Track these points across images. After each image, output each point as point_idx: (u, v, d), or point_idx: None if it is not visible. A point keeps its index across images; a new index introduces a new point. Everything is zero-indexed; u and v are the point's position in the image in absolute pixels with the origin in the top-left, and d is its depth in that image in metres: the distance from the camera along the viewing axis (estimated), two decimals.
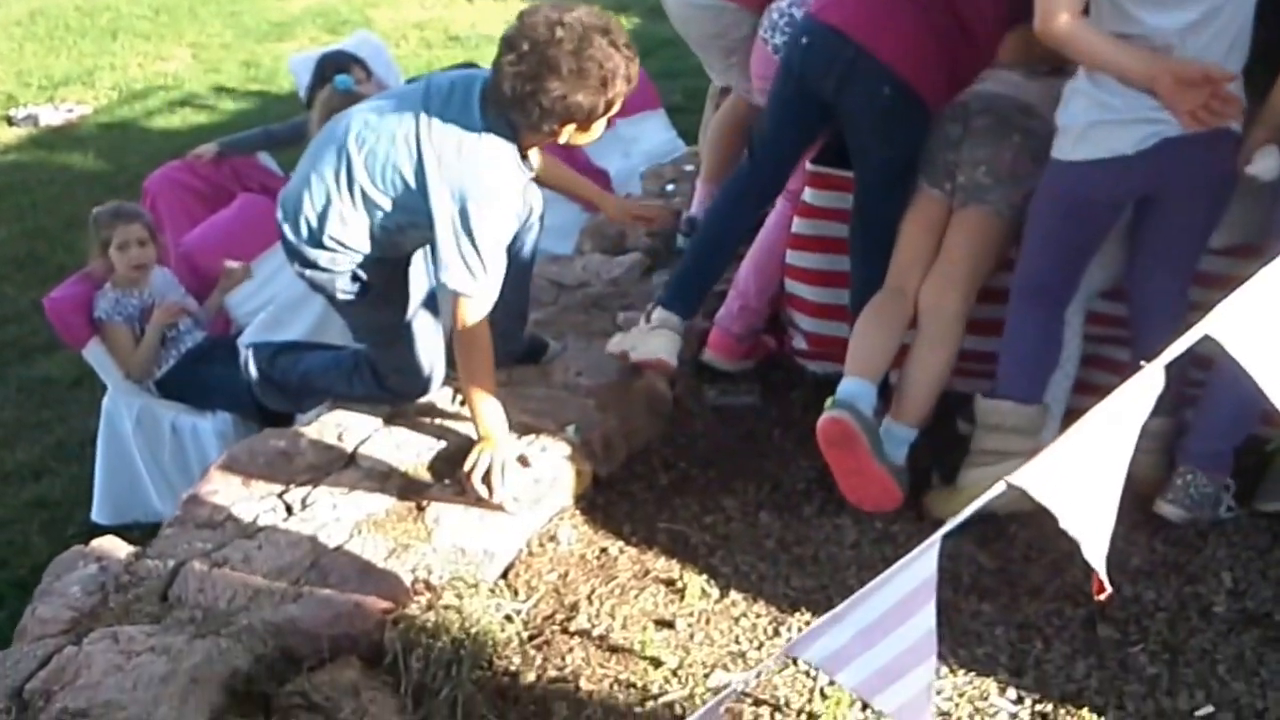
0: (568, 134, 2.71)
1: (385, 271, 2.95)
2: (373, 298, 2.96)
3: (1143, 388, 1.58)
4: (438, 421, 3.11)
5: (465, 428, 3.00)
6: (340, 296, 2.96)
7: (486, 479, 2.73)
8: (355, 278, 2.92)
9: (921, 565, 1.64)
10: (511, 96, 2.60)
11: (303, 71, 5.84)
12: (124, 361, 4.26)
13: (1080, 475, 1.62)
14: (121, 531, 4.27)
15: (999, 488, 1.52)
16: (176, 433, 4.30)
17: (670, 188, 4.70)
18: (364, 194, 2.76)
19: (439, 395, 3.20)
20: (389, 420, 3.12)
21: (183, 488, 4.31)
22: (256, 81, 9.33)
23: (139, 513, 4.37)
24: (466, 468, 2.76)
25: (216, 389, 4.28)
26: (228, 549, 2.60)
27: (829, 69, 2.94)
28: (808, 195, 3.33)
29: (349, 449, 3.00)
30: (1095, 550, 1.62)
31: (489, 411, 2.80)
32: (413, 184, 2.71)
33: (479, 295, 2.75)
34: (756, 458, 3.17)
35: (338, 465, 2.94)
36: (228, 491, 2.84)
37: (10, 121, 8.93)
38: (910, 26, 2.87)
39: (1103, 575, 1.61)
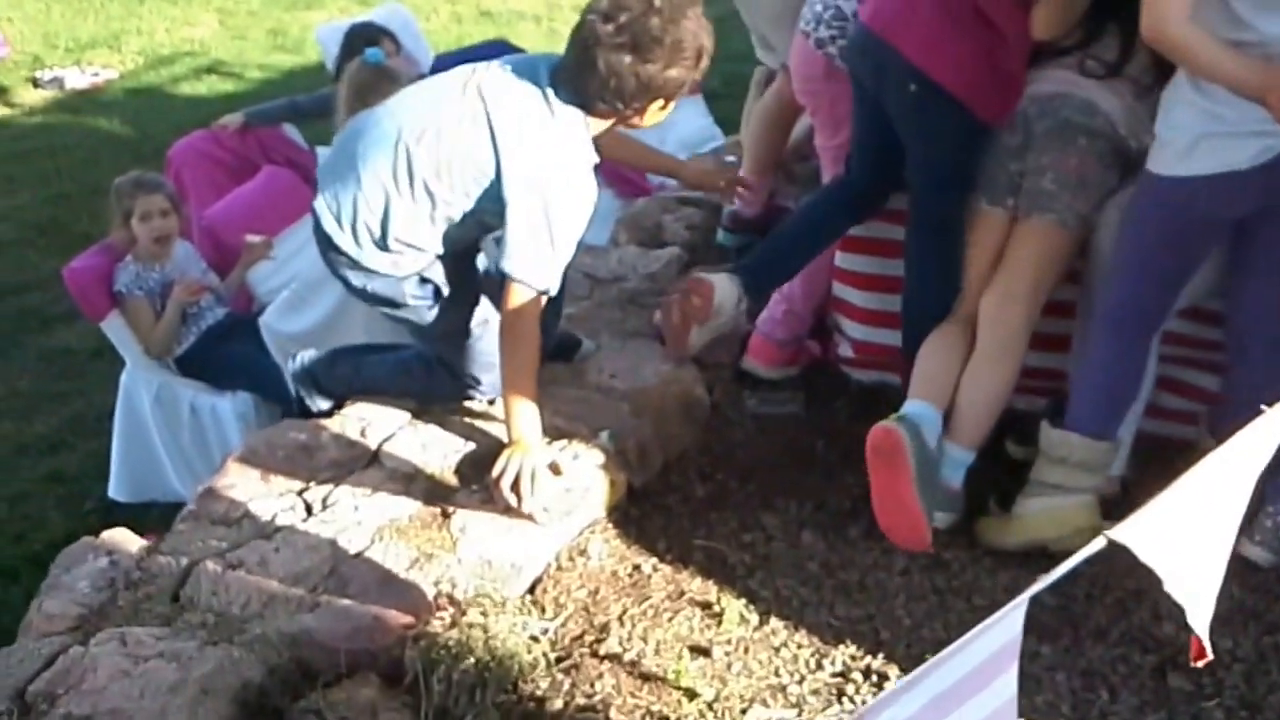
0: (651, 113, 2.61)
1: (452, 269, 2.78)
2: (444, 300, 2.80)
3: (1262, 437, 1.40)
4: (466, 420, 2.93)
5: (495, 429, 2.83)
6: (411, 302, 2.78)
7: (515, 486, 2.56)
8: (423, 280, 2.75)
9: (1005, 626, 1.46)
10: (606, 71, 2.48)
11: (330, 42, 5.69)
12: (144, 337, 4.12)
13: (1188, 533, 1.44)
14: (139, 509, 4.21)
15: (1098, 543, 1.34)
16: (195, 413, 4.16)
17: None
18: (427, 187, 2.59)
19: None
20: (415, 416, 2.95)
21: (201, 468, 4.20)
22: (283, 50, 9.15)
23: (156, 492, 4.25)
24: (495, 473, 2.58)
25: (237, 368, 4.14)
26: (244, 550, 2.44)
27: (866, 68, 2.80)
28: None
29: (372, 446, 2.83)
30: (1200, 614, 1.44)
31: (525, 413, 2.63)
32: (488, 171, 2.56)
33: (540, 286, 2.58)
34: (798, 471, 2.99)
35: (360, 463, 2.77)
36: (245, 486, 2.68)
37: (36, 84, 8.77)
38: (928, 18, 2.67)
39: (1206, 641, 1.44)
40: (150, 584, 2.36)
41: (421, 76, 5.48)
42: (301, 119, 5.51)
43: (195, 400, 4.15)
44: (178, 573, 2.37)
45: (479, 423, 2.92)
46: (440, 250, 2.72)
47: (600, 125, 2.64)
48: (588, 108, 2.58)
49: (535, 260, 2.55)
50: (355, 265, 2.73)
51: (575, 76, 2.54)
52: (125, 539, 2.51)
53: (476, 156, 2.55)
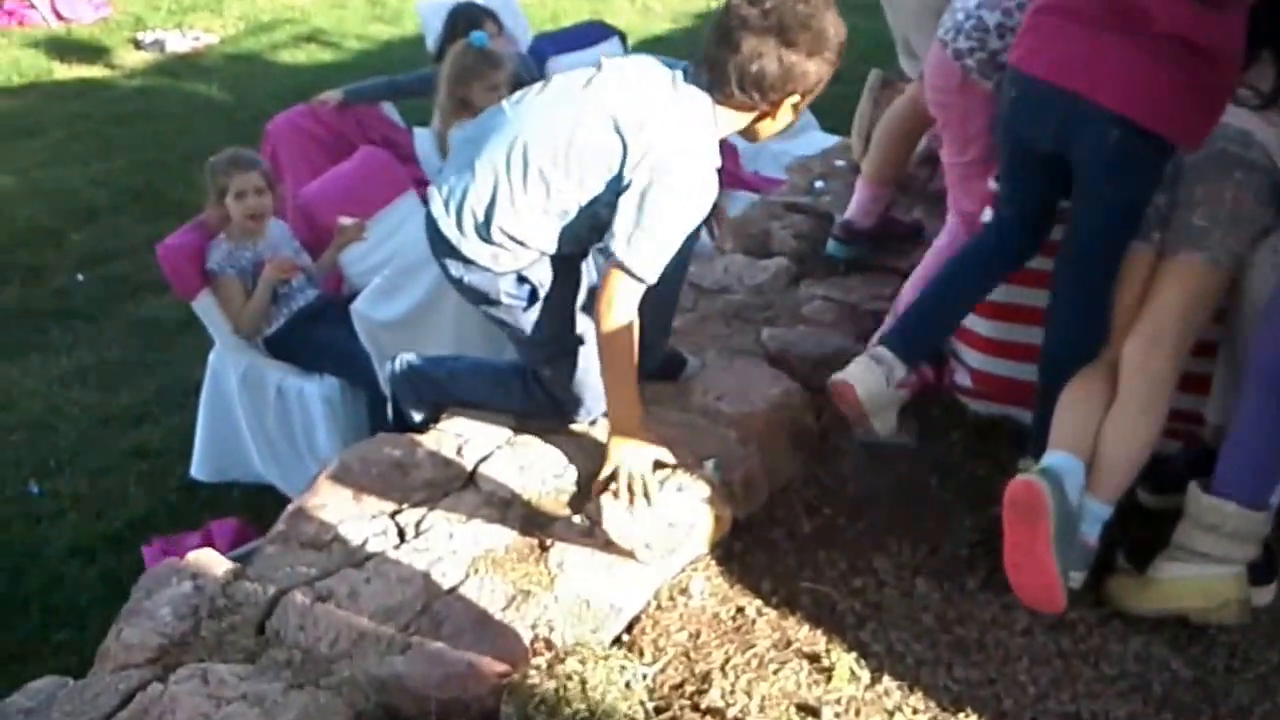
0: (783, 112, 2.52)
1: (554, 273, 2.63)
2: (541, 304, 2.65)
3: None
4: (567, 441, 2.76)
5: (598, 451, 2.66)
6: (505, 301, 2.64)
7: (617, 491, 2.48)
8: (521, 279, 2.61)
9: None
10: (748, 54, 2.39)
11: (432, 18, 5.61)
12: (234, 316, 4.01)
13: None
14: (220, 490, 4.13)
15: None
16: (282, 395, 4.06)
17: (819, 184, 4.25)
18: (542, 175, 2.47)
19: None
20: (514, 433, 2.79)
21: (285, 452, 4.10)
22: (382, 21, 9.05)
23: (239, 472, 4.16)
24: (602, 477, 2.52)
25: (325, 351, 4.03)
26: (333, 579, 2.29)
27: (1044, 123, 2.50)
28: (990, 218, 2.92)
29: (469, 466, 2.67)
30: None
31: (627, 404, 2.53)
32: (611, 160, 2.44)
33: (640, 272, 2.44)
34: (911, 509, 2.79)
35: (456, 484, 2.62)
36: (336, 506, 2.53)
37: (138, 45, 8.75)
38: (1120, 58, 2.41)
39: None
40: (235, 613, 2.22)
41: (521, 57, 5.42)
42: (400, 97, 5.43)
43: (282, 383, 4.05)
44: (264, 602, 2.23)
45: (580, 444, 2.75)
46: (545, 248, 2.58)
47: (729, 120, 2.52)
48: (721, 96, 2.47)
49: (640, 245, 2.42)
50: (455, 253, 2.60)
51: (714, 63, 2.44)
52: (211, 561, 2.37)
53: (598, 141, 2.44)
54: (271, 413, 4.07)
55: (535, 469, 2.65)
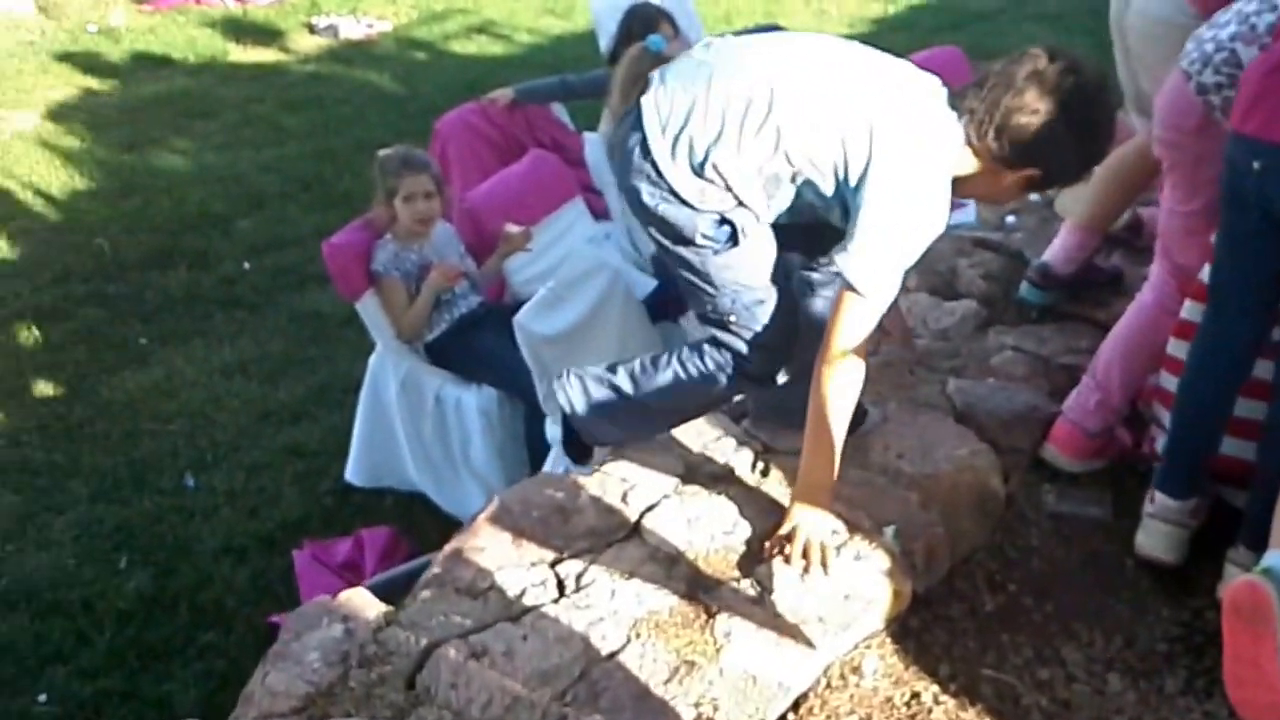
0: (1011, 183, 2.37)
1: (759, 219, 2.43)
2: (739, 249, 2.42)
3: None
4: (739, 492, 2.58)
5: (772, 507, 2.50)
6: (700, 241, 2.41)
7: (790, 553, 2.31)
8: (723, 221, 2.39)
9: None
10: (1021, 106, 2.24)
11: (605, 18, 5.47)
12: (396, 319, 3.95)
13: None
14: (373, 495, 4.07)
15: None
16: (440, 403, 3.99)
17: (1011, 220, 3.99)
18: (779, 133, 2.28)
19: (741, 461, 2.69)
20: (683, 481, 2.62)
21: (440, 460, 4.03)
22: (554, 15, 8.98)
23: (393, 479, 4.11)
24: (781, 533, 2.35)
25: (485, 361, 3.95)
26: (489, 633, 2.15)
27: None
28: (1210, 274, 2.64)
29: (633, 515, 2.51)
30: None
31: (826, 461, 2.34)
32: (850, 162, 2.27)
33: (876, 299, 2.28)
34: (1104, 593, 2.54)
35: (619, 534, 2.46)
36: (495, 550, 2.39)
37: (312, 30, 8.84)
38: None
39: None
40: (385, 663, 2.10)
41: None
42: (571, 99, 5.31)
43: (441, 390, 3.97)
44: (416, 654, 2.11)
45: (752, 497, 2.57)
46: (751, 204, 2.38)
47: (962, 161, 2.33)
48: (970, 133, 2.30)
49: (879, 269, 2.27)
50: (657, 178, 2.37)
51: (981, 97, 2.28)
52: (364, 604, 2.26)
53: (847, 135, 2.26)
54: (429, 421, 4.00)
55: (704, 523, 2.48)
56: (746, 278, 2.45)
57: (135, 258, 5.74)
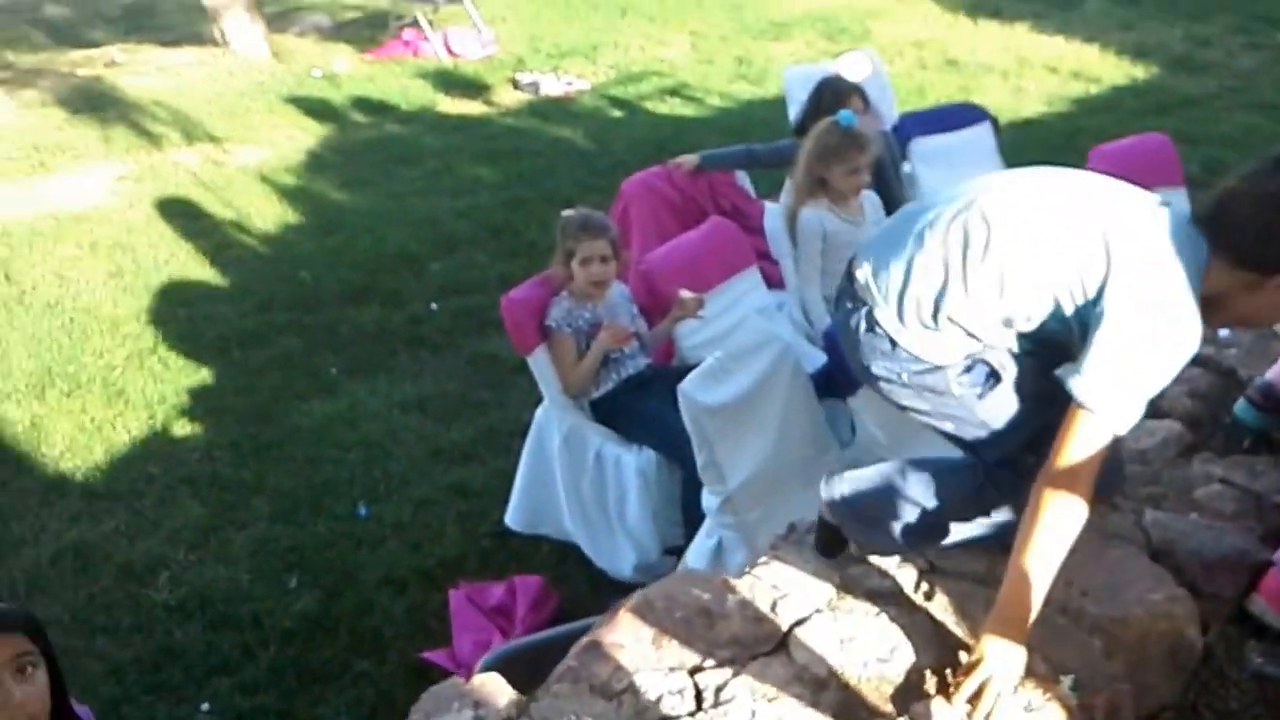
0: (1269, 291, 2.14)
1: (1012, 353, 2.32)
2: (1005, 382, 2.29)
3: None
4: (899, 612, 2.43)
5: (935, 633, 2.37)
6: (958, 391, 2.29)
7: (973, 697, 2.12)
8: (973, 364, 2.28)
9: None
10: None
11: (797, 88, 5.47)
12: (564, 374, 4.02)
13: None
14: (530, 541, 4.16)
15: None
16: (600, 460, 4.03)
17: (1224, 333, 3.61)
18: (1001, 272, 2.19)
19: (904, 579, 2.56)
20: (839, 592, 2.51)
21: (596, 517, 4.06)
22: (746, 80, 9.07)
23: (549, 528, 4.18)
24: (960, 674, 2.17)
25: (648, 423, 3.97)
26: None
27: None
28: None
29: (783, 626, 2.40)
30: None
31: (1034, 590, 2.12)
32: (1085, 284, 2.13)
33: (1114, 422, 2.11)
34: None
35: (766, 646, 2.35)
36: (635, 649, 2.33)
37: (516, 85, 9.13)
38: None
39: None
40: None
41: (885, 136, 5.22)
42: (756, 168, 5.34)
43: (602, 448, 4.02)
44: None
45: (914, 620, 2.42)
46: (993, 343, 2.27)
47: (1212, 277, 2.16)
48: (1218, 248, 2.14)
49: (1118, 390, 2.08)
50: (893, 350, 2.28)
51: (1226, 210, 2.14)
52: (496, 689, 2.24)
53: (1079, 254, 2.14)
54: (588, 477, 4.05)
55: (858, 645, 2.35)
56: (1027, 409, 2.30)
57: (334, 292, 6.02)
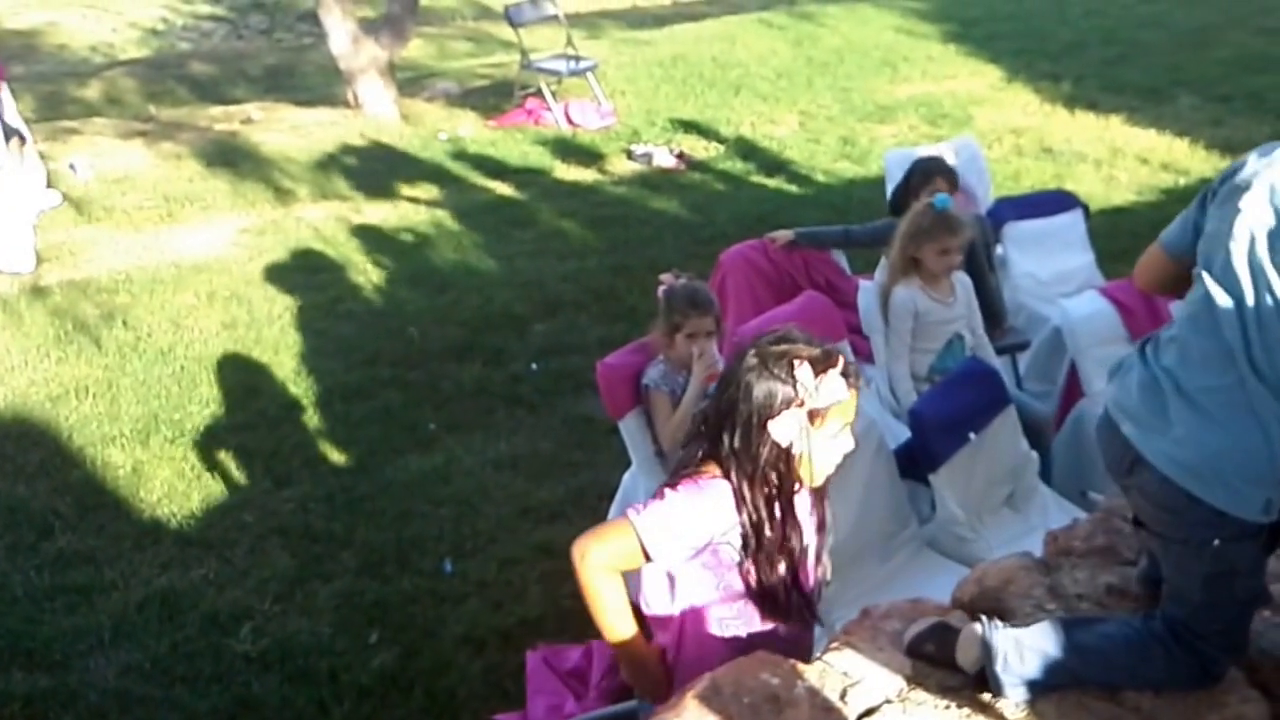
0: None
1: None
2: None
3: None
4: (970, 713, 2.23)
5: None
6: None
7: None
8: None
9: None
10: None
11: (896, 169, 5.38)
12: (661, 428, 3.82)
13: None
14: None
15: None
16: None
17: None
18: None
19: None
20: (909, 684, 2.30)
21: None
22: (849, 159, 8.86)
23: (632, 591, 3.94)
24: None
25: None
26: None
27: None
28: None
29: (851, 716, 2.21)
30: None
31: None
32: None
33: None
34: None
35: None
36: None
37: (630, 156, 9.03)
38: None
39: None
40: None
41: (979, 220, 5.01)
42: (851, 247, 5.16)
43: None
44: None
45: (984, 717, 2.22)
46: None
47: None
48: None
49: None
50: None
51: None
52: None
53: None
54: None
55: None
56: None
57: (438, 348, 5.91)
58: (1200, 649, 2.18)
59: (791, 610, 2.33)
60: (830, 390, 2.13)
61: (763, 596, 2.28)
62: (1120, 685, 2.25)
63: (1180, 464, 2.07)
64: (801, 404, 2.14)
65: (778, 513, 2.23)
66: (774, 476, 2.20)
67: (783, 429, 2.15)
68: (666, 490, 2.23)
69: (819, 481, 2.27)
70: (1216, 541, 2.08)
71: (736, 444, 2.19)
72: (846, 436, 2.23)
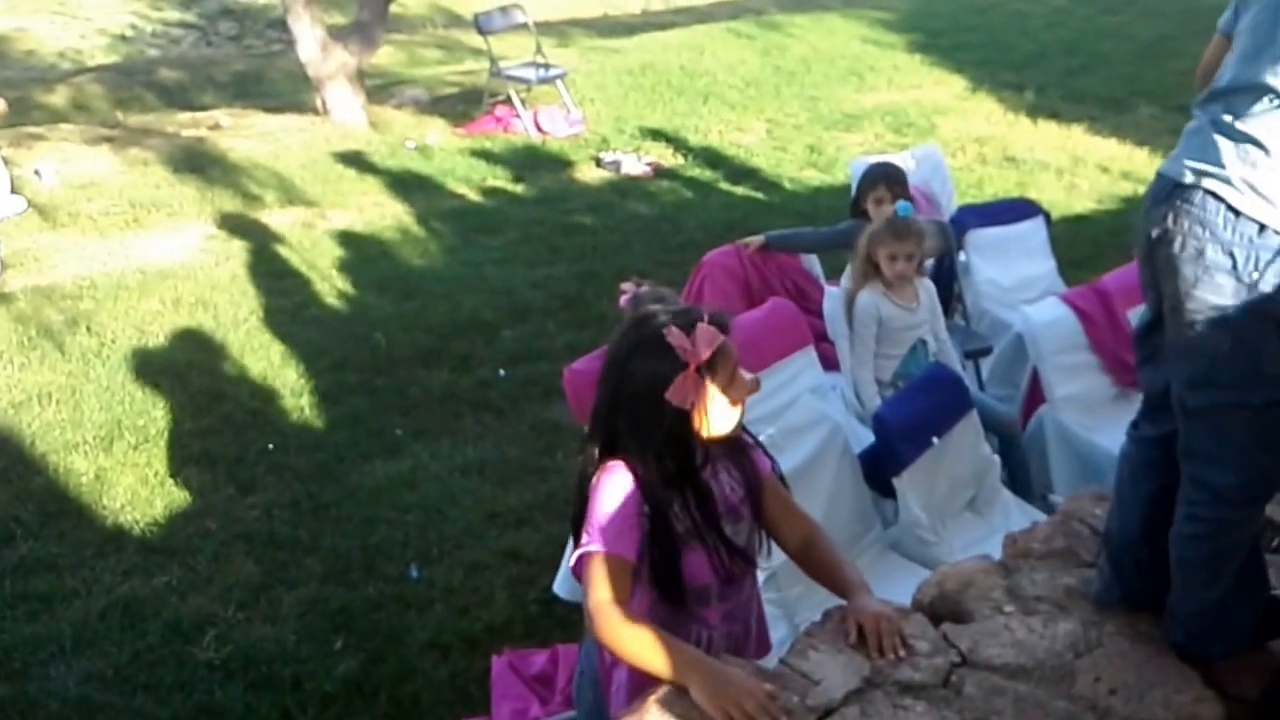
0: None
1: None
2: None
3: None
4: (927, 708, 2.18)
5: None
6: None
7: None
8: None
9: None
10: None
11: (860, 176, 5.36)
12: None
13: None
14: (575, 608, 3.92)
15: None
16: None
17: None
18: None
19: (933, 671, 2.29)
20: (868, 684, 2.23)
21: None
22: (815, 168, 8.90)
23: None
24: None
25: None
26: None
27: None
28: None
29: (812, 717, 2.15)
30: None
31: None
32: None
33: None
34: None
35: None
36: None
37: (599, 163, 9.03)
38: None
39: None
40: None
41: (942, 226, 5.04)
42: (820, 250, 5.19)
43: None
44: None
45: (942, 714, 2.18)
46: None
47: None
48: None
49: None
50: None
51: None
52: None
53: None
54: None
55: None
56: None
57: (406, 355, 5.87)
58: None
59: (711, 596, 2.29)
60: (705, 339, 2.12)
61: (672, 582, 2.23)
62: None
63: (1226, 180, 2.15)
64: (688, 364, 2.13)
65: (688, 490, 2.21)
66: (675, 448, 2.18)
67: (679, 393, 2.13)
68: (589, 503, 2.19)
69: (720, 431, 2.24)
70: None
71: (631, 427, 2.17)
72: (740, 379, 2.21)
